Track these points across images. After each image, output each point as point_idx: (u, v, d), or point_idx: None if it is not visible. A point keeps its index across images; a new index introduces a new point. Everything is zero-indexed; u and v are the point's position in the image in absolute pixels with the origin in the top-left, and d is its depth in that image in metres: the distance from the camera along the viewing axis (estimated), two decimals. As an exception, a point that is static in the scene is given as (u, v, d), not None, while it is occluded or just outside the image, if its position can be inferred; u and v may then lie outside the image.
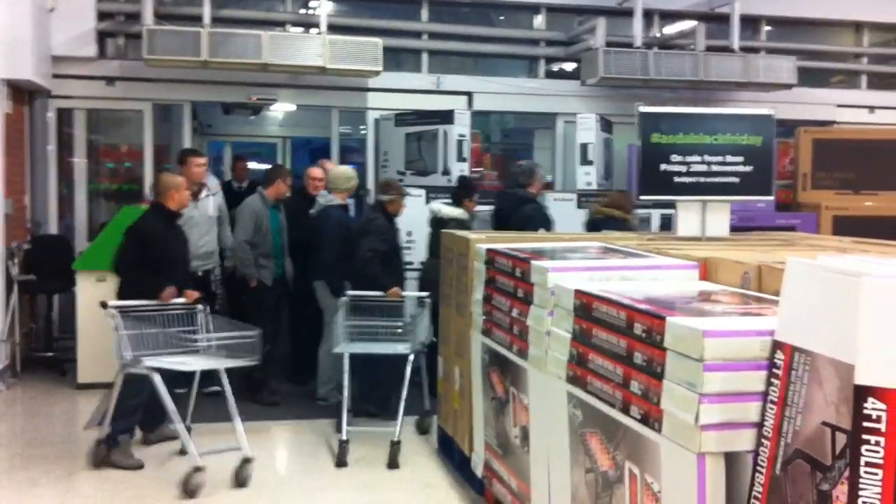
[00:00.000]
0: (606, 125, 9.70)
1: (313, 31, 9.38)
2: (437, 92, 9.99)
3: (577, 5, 10.45)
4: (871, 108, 10.72)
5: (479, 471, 5.08)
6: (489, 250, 4.87)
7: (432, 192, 8.75)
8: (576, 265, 4.08)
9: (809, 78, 10.67)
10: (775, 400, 2.69)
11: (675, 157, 5.35)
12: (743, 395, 2.76)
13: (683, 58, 9.52)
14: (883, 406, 2.17)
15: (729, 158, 5.39)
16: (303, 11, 10.09)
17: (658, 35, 10.41)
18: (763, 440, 2.72)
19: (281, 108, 13.80)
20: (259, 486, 5.57)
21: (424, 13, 10.17)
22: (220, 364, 5.55)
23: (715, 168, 5.38)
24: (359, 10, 10.30)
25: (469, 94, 10.03)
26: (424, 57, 10.18)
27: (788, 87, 9.70)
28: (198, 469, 5.33)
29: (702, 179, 5.38)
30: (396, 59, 9.90)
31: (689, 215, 5.39)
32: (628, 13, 9.93)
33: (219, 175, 12.19)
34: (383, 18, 10.05)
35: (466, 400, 5.37)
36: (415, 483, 5.71)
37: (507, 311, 4.48)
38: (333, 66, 8.90)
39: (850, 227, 7.38)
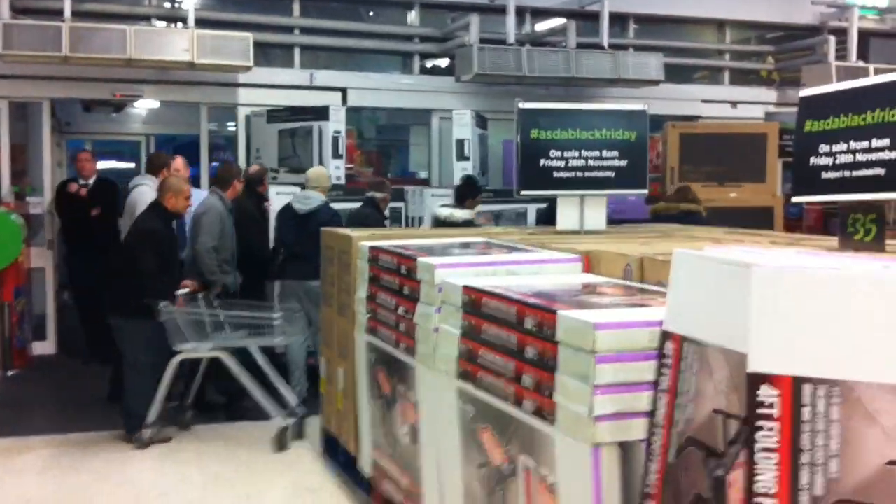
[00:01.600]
0: (481, 121, 9.77)
1: (179, 25, 9.10)
2: (311, 88, 9.85)
3: (449, 2, 10.48)
4: (734, 104, 11.13)
5: (367, 471, 5.01)
6: (373, 248, 4.81)
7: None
8: (462, 261, 4.06)
9: (675, 74, 11.00)
10: (666, 389, 2.72)
11: (553, 153, 5.40)
12: (634, 386, 2.78)
13: (556, 55, 9.66)
14: (776, 392, 2.21)
15: (605, 153, 5.48)
16: (168, 6, 9.78)
17: (530, 32, 10.53)
18: (655, 429, 2.75)
19: (145, 105, 13.39)
20: (135, 498, 5.37)
21: (296, 8, 10.03)
22: (272, 342, 6.33)
23: (592, 163, 5.46)
24: (227, 5, 10.06)
25: (343, 90, 9.93)
26: (297, 52, 10.03)
27: (656, 83, 9.97)
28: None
29: (579, 174, 5.44)
30: (268, 54, 9.72)
31: (568, 209, 5.45)
32: (501, 10, 10.02)
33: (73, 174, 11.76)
34: (254, 13, 9.83)
35: (350, 400, 5.29)
36: (300, 487, 5.60)
37: (392, 309, 4.42)
38: (202, 62, 8.65)
39: (717, 218, 7.62)
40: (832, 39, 10.85)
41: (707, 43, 11.81)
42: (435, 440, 3.97)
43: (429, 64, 10.78)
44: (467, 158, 9.11)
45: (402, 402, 4.36)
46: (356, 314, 5.06)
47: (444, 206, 7.72)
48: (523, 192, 5.41)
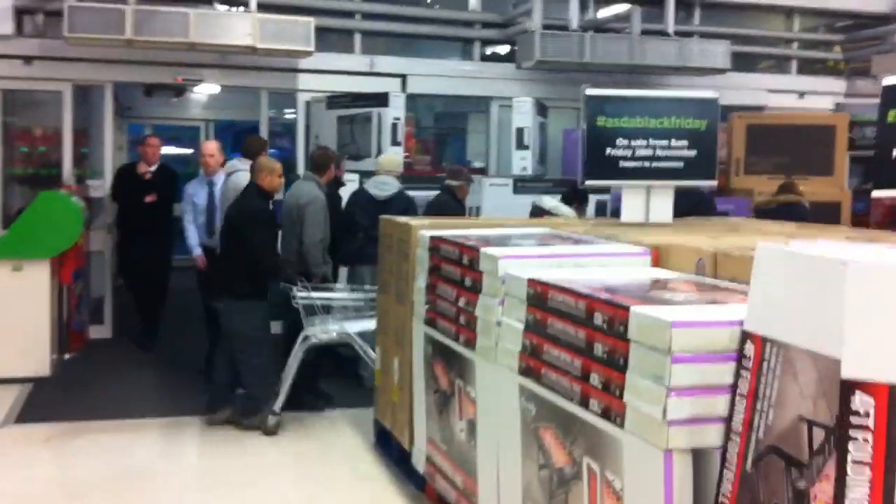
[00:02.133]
0: (542, 109, 9.59)
1: (241, 9, 9.05)
2: (371, 74, 9.74)
3: (511, -14, 10.31)
4: (801, 94, 10.80)
5: (420, 466, 4.91)
6: (433, 237, 4.70)
7: (366, 177, 8.55)
8: (527, 252, 3.94)
9: (741, 63, 10.70)
10: (745, 393, 2.57)
11: (620, 141, 5.23)
12: (711, 389, 2.64)
13: (620, 41, 9.44)
14: (871, 401, 2.06)
15: (673, 142, 5.30)
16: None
17: (593, 18, 10.31)
18: (732, 436, 2.61)
19: (205, 90, 13.42)
20: (189, 483, 5.35)
21: (357, -8, 9.93)
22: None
23: (660, 152, 5.28)
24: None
25: (403, 77, 9.81)
26: (357, 38, 9.92)
27: (722, 71, 9.69)
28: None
29: (646, 164, 5.28)
30: (328, 39, 9.61)
31: (634, 200, 5.29)
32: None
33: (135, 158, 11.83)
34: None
35: (406, 392, 5.19)
36: (353, 477, 5.53)
37: (453, 300, 4.32)
38: (263, 46, 8.59)
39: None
40: (906, 27, 10.46)
41: (774, 31, 11.46)
42: (494, 438, 3.86)
43: (488, 51, 10.61)
44: (527, 147, 8.95)
45: (460, 396, 4.25)
46: (414, 304, 4.97)
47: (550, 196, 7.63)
48: (588, 182, 5.25)
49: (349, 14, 9.94)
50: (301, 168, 9.68)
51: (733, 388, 2.61)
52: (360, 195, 7.55)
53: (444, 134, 11.71)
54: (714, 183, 5.47)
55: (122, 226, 8.91)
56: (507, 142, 9.56)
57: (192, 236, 7.86)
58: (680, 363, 2.62)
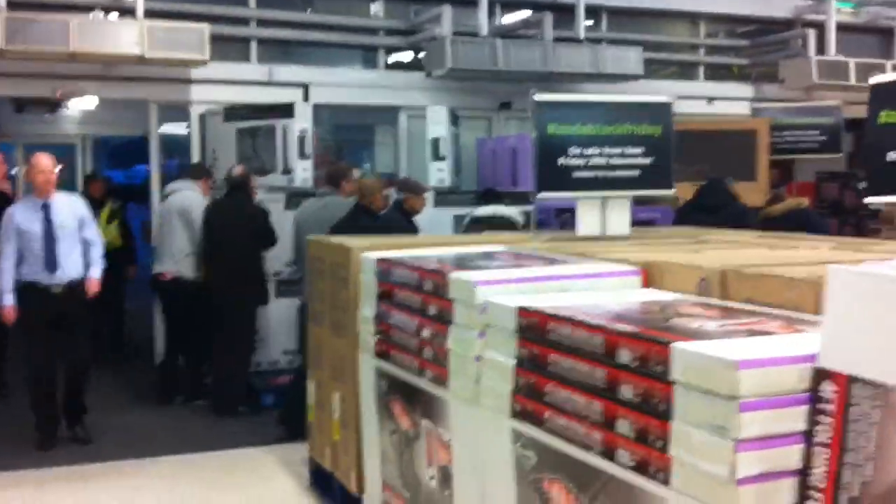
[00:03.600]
0: (454, 119, 9.17)
1: (127, 18, 8.31)
2: (270, 84, 9.13)
3: (414, -8, 9.85)
4: (710, 99, 10.69)
5: (374, 515, 4.38)
6: (381, 260, 4.18)
7: (271, 192, 8.01)
8: (504, 276, 3.46)
9: (647, 70, 10.51)
10: (826, 442, 2.16)
11: (573, 150, 4.83)
12: (783, 438, 2.22)
13: (532, 48, 9.11)
14: None
15: (628, 150, 4.93)
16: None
17: (499, 25, 9.96)
18: (811, 492, 2.20)
19: (80, 106, 12.52)
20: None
21: (252, -1, 9.30)
22: None
23: (614, 161, 4.91)
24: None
25: (305, 87, 9.23)
26: (254, 46, 9.30)
27: (636, 78, 9.47)
28: None
29: (601, 173, 4.89)
30: (223, 48, 8.92)
31: (589, 213, 4.89)
32: (471, 2, 9.43)
33: (10, 179, 10.87)
34: (207, 3, 9.08)
35: (351, 431, 4.65)
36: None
37: (413, 331, 3.81)
38: (153, 55, 7.88)
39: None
40: (812, 33, 10.51)
41: (680, 37, 11.36)
42: (477, 488, 3.37)
43: (391, 59, 10.12)
44: (443, 158, 8.50)
45: (429, 439, 3.74)
46: (360, 334, 4.43)
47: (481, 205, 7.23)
48: (541, 195, 4.83)
49: (244, 21, 9.32)
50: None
51: (807, 436, 2.20)
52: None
53: (348, 146, 11.14)
54: (672, 192, 5.13)
55: None
56: (420, 153, 9.10)
57: (6, 278, 6.22)
58: (750, 411, 2.19)
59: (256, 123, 8.36)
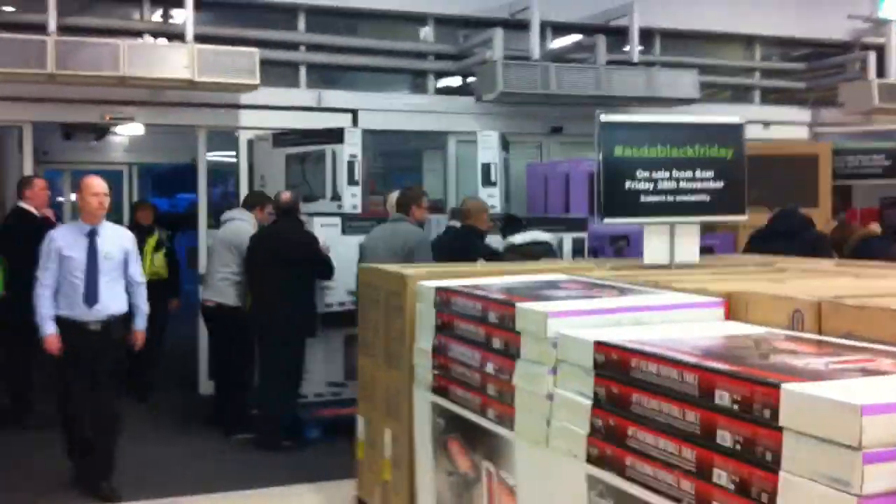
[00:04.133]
0: (504, 144, 8.96)
1: (176, 42, 8.24)
2: (319, 109, 9.00)
3: (465, 16, 9.68)
4: (766, 124, 10.38)
5: (429, 560, 4.13)
6: (441, 289, 3.96)
7: (320, 218, 7.83)
8: (576, 307, 3.21)
9: (702, 93, 10.25)
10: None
11: (640, 173, 4.58)
12: (913, 495, 1.95)
13: (585, 72, 8.90)
14: None
15: (699, 173, 4.67)
16: (161, 20, 8.91)
17: (551, 49, 9.77)
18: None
19: (127, 132, 12.51)
20: None
21: (302, 23, 9.18)
22: None
23: (684, 185, 4.65)
24: (227, 20, 9.17)
25: (354, 112, 9.09)
26: (303, 70, 9.18)
27: (690, 101, 9.21)
28: None
29: (670, 198, 4.63)
30: (271, 73, 8.82)
31: (657, 240, 4.63)
32: (521, 25, 9.25)
33: (55, 207, 10.77)
34: (256, 28, 8.99)
35: (404, 472, 4.41)
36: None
37: (476, 365, 3.57)
38: (203, 79, 7.79)
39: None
40: (872, 55, 10.17)
41: (735, 60, 11.07)
42: (548, 537, 3.11)
43: (440, 84, 9.95)
44: (494, 184, 8.27)
45: (490, 483, 3.49)
46: (415, 368, 4.21)
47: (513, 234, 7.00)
48: (607, 221, 4.58)
49: (293, 46, 9.21)
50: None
51: (942, 492, 1.93)
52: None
53: (396, 172, 10.98)
54: (745, 217, 4.85)
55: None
56: (469, 178, 8.90)
57: (46, 304, 5.66)
58: (874, 463, 1.93)
59: (306, 149, 8.19)
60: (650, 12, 9.67)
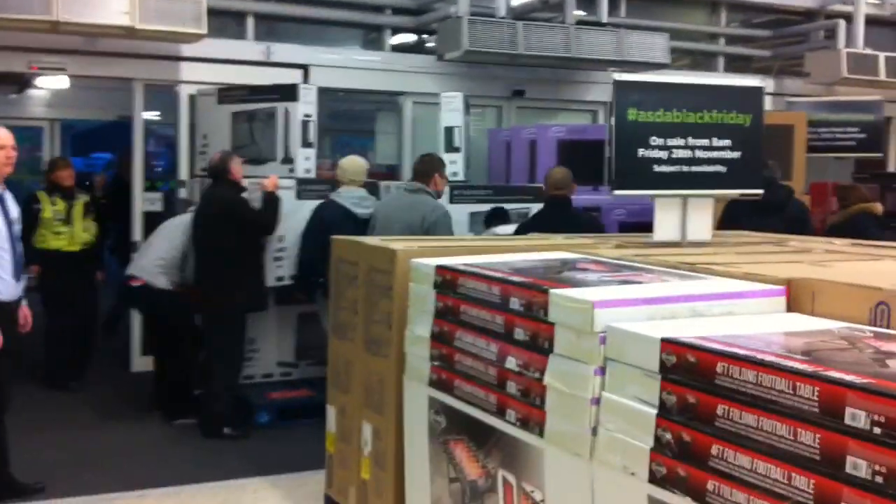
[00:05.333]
0: (466, 107, 8.44)
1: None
2: (267, 64, 8.36)
3: (425, -32, 9.10)
4: (731, 93, 10.03)
5: (422, 574, 3.65)
6: (443, 269, 3.45)
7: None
8: (626, 296, 2.74)
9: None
10: None
11: (654, 140, 4.13)
12: None
13: (554, 31, 8.40)
14: None
15: (715, 142, 4.24)
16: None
17: (513, 6, 9.23)
18: None
19: (50, 85, 11.62)
20: None
21: (249, -32, 8.51)
22: None
23: (700, 154, 4.21)
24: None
25: (305, 68, 8.47)
26: (250, 21, 8.52)
27: (662, 66, 8.79)
28: None
29: (685, 168, 4.20)
30: (215, 23, 8.09)
31: (669, 214, 4.20)
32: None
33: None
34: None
35: (388, 472, 3.91)
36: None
37: (492, 359, 3.09)
38: (144, 27, 7.09)
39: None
40: (842, 24, 9.88)
41: (698, 25, 10.70)
42: (587, 564, 2.66)
43: (394, 40, 9.35)
44: (458, 150, 7.75)
45: (508, 494, 3.02)
46: (406, 357, 3.71)
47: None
48: (619, 192, 4.12)
49: (239, -7, 8.53)
50: (184, 174, 8.25)
51: None
52: (335, 211, 6.31)
53: (348, 134, 10.38)
54: (760, 192, 4.44)
55: None
56: (427, 143, 8.37)
57: None
58: None
59: (254, 107, 7.56)
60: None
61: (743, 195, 4.53)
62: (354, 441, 4.27)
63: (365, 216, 6.33)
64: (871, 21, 10.41)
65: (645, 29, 9.14)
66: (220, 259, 6.29)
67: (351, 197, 6.38)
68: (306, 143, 7.32)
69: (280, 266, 6.76)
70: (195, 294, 6.48)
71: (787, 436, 2.01)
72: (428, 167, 6.30)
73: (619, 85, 4.04)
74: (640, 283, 2.99)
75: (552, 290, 2.80)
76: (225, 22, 8.38)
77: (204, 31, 7.28)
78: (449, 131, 7.82)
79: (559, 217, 6.00)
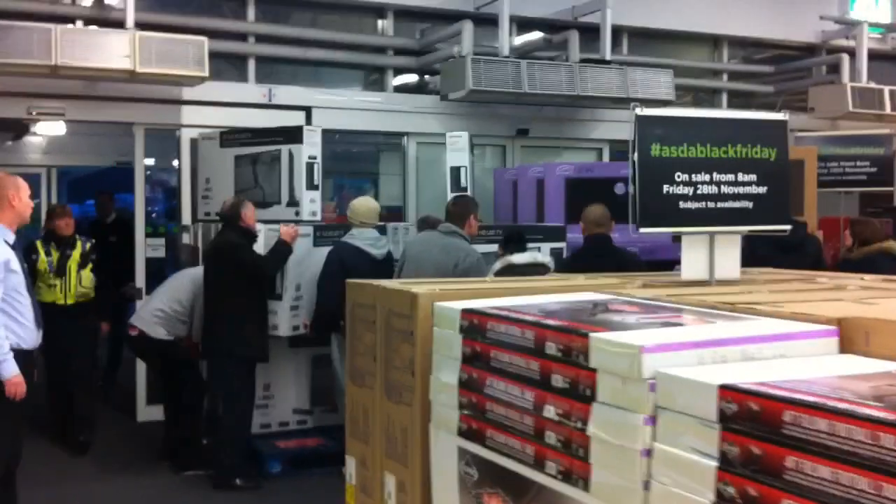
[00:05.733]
0: (471, 146, 8.35)
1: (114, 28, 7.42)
2: (269, 106, 8.29)
3: (426, 8, 9.05)
4: (736, 129, 9.97)
5: None
6: (469, 312, 3.31)
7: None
8: (673, 340, 2.60)
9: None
10: None
11: (679, 176, 4.01)
12: None
13: (558, 69, 8.35)
14: None
15: (741, 177, 4.12)
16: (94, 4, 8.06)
17: (517, 46, 9.21)
18: None
19: (46, 131, 11.56)
20: None
21: (251, 12, 8.44)
22: None
23: (725, 190, 4.09)
24: (168, 6, 8.36)
25: (307, 110, 8.41)
26: (251, 63, 8.46)
27: (666, 103, 8.74)
28: None
29: (710, 204, 4.07)
30: (217, 66, 8.07)
31: (696, 252, 4.06)
32: (487, 20, 8.68)
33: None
34: (201, 16, 8.22)
35: (415, 525, 3.75)
36: None
37: (527, 407, 2.93)
38: (146, 70, 7.02)
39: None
40: (846, 58, 9.86)
41: (701, 61, 10.66)
42: None
43: (396, 81, 9.29)
44: (465, 189, 7.67)
45: (550, 551, 2.86)
46: (432, 405, 3.55)
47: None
48: (644, 231, 3.99)
49: (241, 36, 8.46)
50: (187, 219, 8.13)
51: None
52: (351, 253, 6.18)
53: (345, 176, 10.28)
54: (788, 227, 4.32)
55: None
56: (428, 183, 8.29)
57: (7, 334, 4.71)
58: None
59: (258, 149, 7.47)
60: (615, 9, 9.18)
61: (767, 231, 4.40)
62: (377, 494, 4.09)
63: (380, 257, 6.22)
64: (872, 55, 10.41)
65: (647, 66, 9.10)
66: (221, 306, 6.15)
67: (366, 238, 6.28)
68: (311, 186, 7.22)
69: (296, 315, 6.58)
70: (190, 343, 6.35)
71: (869, 489, 1.86)
72: (462, 209, 6.19)
73: (641, 120, 3.92)
74: (682, 325, 2.85)
75: (592, 335, 2.66)
76: (226, 65, 8.33)
77: (206, 73, 7.21)
78: (455, 171, 7.74)
79: (602, 255, 5.85)
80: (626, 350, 2.52)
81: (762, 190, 4.18)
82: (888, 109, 9.61)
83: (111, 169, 12.87)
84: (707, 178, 4.06)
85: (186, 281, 6.56)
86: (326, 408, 6.79)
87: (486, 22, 8.65)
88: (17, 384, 4.59)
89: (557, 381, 2.81)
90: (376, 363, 4.11)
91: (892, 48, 10.90)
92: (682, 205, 4.02)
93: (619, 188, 7.84)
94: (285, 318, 6.38)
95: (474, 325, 3.27)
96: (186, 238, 8.06)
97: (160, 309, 6.45)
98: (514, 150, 9.35)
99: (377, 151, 9.67)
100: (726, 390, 2.22)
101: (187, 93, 7.91)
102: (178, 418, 6.58)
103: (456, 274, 5.71)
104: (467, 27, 8.14)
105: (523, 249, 6.38)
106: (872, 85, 9.82)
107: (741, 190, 4.13)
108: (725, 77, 10.58)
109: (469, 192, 7.76)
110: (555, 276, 4.86)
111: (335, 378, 6.13)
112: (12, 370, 4.57)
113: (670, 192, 4.00)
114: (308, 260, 6.46)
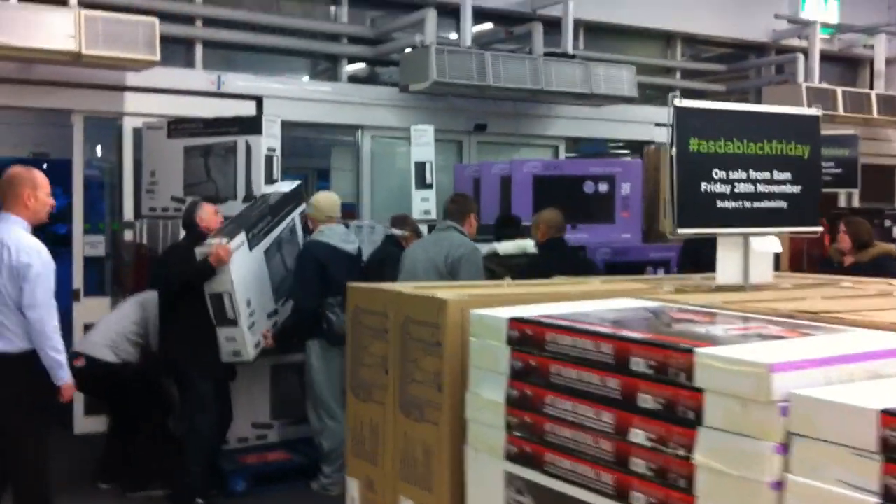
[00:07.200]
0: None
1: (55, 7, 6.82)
2: (218, 95, 7.78)
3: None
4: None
5: None
6: (518, 321, 2.97)
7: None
8: (800, 356, 2.31)
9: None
10: None
11: (717, 173, 3.75)
12: None
13: (522, 62, 8.05)
14: None
15: (776, 175, 3.89)
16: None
17: (475, 34, 8.88)
18: None
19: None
20: None
21: (199, -7, 7.93)
22: None
23: (761, 188, 3.86)
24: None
25: (258, 99, 7.91)
26: (199, 49, 7.93)
27: (629, 100, 8.53)
28: None
29: (746, 204, 3.83)
30: (162, 50, 7.49)
31: (731, 254, 3.81)
32: (446, 9, 8.34)
33: None
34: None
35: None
36: None
37: (605, 430, 2.61)
38: (92, 52, 6.46)
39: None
40: (801, 58, 9.83)
41: (654, 59, 10.50)
42: None
43: (349, 70, 8.85)
44: (430, 186, 7.32)
45: (632, 592, 2.54)
46: (469, 424, 3.20)
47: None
48: (682, 231, 3.71)
49: (189, 20, 7.92)
50: (130, 215, 7.57)
51: None
52: (327, 250, 5.74)
53: (293, 171, 9.78)
54: (819, 229, 4.10)
55: None
56: (387, 179, 7.92)
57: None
58: None
59: (211, 140, 6.96)
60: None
61: (800, 234, 4.18)
62: (387, 519, 3.72)
63: (354, 252, 5.84)
64: (821, 57, 10.40)
65: (604, 61, 8.86)
66: (173, 323, 5.67)
67: (335, 234, 5.85)
68: (270, 180, 6.77)
69: (254, 333, 6.00)
70: (142, 364, 5.87)
71: None
72: (462, 207, 5.93)
73: (679, 112, 3.65)
74: (783, 338, 2.56)
75: (699, 350, 2.35)
76: (172, 49, 7.76)
77: (157, 57, 6.70)
78: (420, 167, 7.40)
79: (560, 258, 5.67)
80: (751, 369, 2.22)
81: (796, 189, 3.97)
82: (841, 110, 9.61)
83: (24, 160, 12.07)
84: (744, 175, 3.82)
85: (132, 302, 6.07)
86: (287, 420, 6.37)
87: (442, 12, 8.30)
88: (70, 388, 4.54)
89: (646, 401, 2.50)
90: (388, 376, 3.74)
91: (840, 49, 10.94)
92: (719, 204, 3.78)
93: (588, 186, 7.62)
94: (247, 340, 5.78)
95: (528, 337, 2.93)
96: (129, 235, 7.52)
97: (110, 334, 5.89)
98: (471, 145, 9.03)
99: (329, 145, 9.21)
100: (889, 416, 1.93)
101: (131, 78, 7.35)
102: (123, 432, 6.03)
103: (447, 265, 5.43)
104: (430, 15, 7.76)
105: (514, 235, 6.25)
106: (825, 85, 9.81)
107: (776, 189, 3.91)
108: (678, 75, 10.45)
109: (434, 189, 7.44)
110: (562, 279, 4.53)
111: (311, 387, 5.69)
112: (68, 375, 4.49)
113: (708, 189, 3.75)
114: (249, 266, 5.86)
